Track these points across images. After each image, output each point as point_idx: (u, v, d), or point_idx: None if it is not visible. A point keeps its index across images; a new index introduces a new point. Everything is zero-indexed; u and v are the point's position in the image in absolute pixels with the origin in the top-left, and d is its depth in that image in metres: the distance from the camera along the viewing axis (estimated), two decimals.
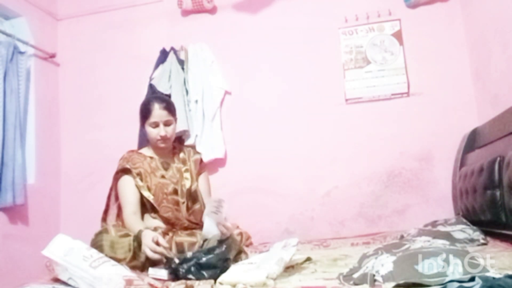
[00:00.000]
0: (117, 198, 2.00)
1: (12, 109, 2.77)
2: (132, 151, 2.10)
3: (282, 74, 3.15)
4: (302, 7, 3.17)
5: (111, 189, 2.03)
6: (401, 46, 3.01)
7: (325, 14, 3.13)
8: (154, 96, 2.46)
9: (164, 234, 1.82)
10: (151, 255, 1.58)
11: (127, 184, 1.93)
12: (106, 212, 2.02)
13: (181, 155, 2.15)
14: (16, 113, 2.79)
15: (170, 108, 2.04)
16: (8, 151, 2.71)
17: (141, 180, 1.94)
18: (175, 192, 2.00)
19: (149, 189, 1.94)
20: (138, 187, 1.93)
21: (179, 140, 3.09)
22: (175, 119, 2.07)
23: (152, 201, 1.93)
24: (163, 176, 1.99)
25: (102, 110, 3.33)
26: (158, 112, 1.97)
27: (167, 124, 1.99)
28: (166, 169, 2.03)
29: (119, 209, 1.97)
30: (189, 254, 1.54)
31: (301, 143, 3.06)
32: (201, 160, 2.20)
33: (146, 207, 1.96)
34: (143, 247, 1.61)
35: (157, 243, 1.59)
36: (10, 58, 2.80)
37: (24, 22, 3.08)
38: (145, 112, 2.00)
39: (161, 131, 1.97)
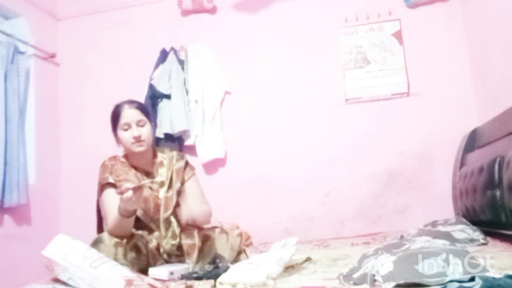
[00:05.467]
0: None
1: (14, 109, 2.78)
2: (115, 157, 1.87)
3: (282, 74, 3.15)
4: (302, 7, 3.17)
5: (98, 202, 1.86)
6: (401, 46, 3.01)
7: (325, 14, 3.14)
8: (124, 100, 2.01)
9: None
10: (130, 196, 1.50)
11: (111, 197, 1.73)
12: (99, 225, 1.86)
13: (164, 162, 1.88)
14: (18, 113, 2.80)
15: (142, 108, 1.85)
16: (12, 151, 2.72)
17: None
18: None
19: None
20: None
21: (179, 141, 3.10)
22: (151, 123, 1.86)
23: (141, 217, 1.75)
24: (151, 188, 1.80)
25: (102, 110, 3.30)
26: (128, 112, 1.79)
27: (140, 124, 1.79)
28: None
29: None
30: (199, 272, 1.53)
31: (301, 143, 3.06)
32: (186, 164, 1.93)
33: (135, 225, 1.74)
34: (123, 205, 1.53)
35: (123, 192, 1.51)
36: (11, 58, 2.80)
37: (24, 22, 3.09)
38: (115, 116, 1.81)
39: (134, 131, 1.76)
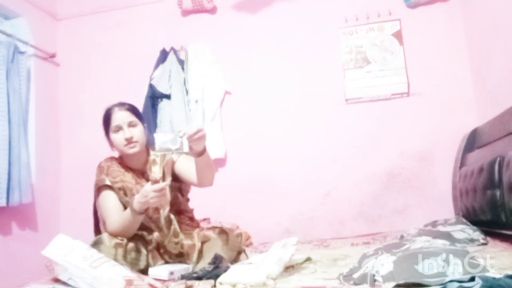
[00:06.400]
0: None
1: (16, 109, 2.78)
2: (111, 158, 1.86)
3: (282, 74, 3.15)
4: (302, 8, 3.17)
5: (95, 204, 1.85)
6: (401, 46, 3.01)
7: (325, 14, 3.14)
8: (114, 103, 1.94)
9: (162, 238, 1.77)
10: (157, 199, 1.55)
11: (110, 197, 1.75)
12: (97, 225, 1.85)
13: (156, 160, 1.85)
14: (20, 113, 2.81)
15: (133, 109, 1.82)
16: (14, 150, 2.72)
17: (125, 195, 1.74)
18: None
19: None
20: (123, 203, 1.73)
21: None
22: (143, 123, 1.83)
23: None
24: None
25: (102, 110, 3.32)
26: (118, 114, 1.77)
27: (131, 125, 1.76)
28: (148, 180, 1.75)
29: None
30: (199, 272, 1.53)
31: (301, 143, 3.06)
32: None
33: None
34: (144, 200, 1.55)
35: (155, 182, 1.55)
36: (11, 58, 2.81)
37: (24, 22, 3.09)
38: (106, 119, 1.80)
39: (126, 133, 1.74)
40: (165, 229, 1.77)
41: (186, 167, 1.80)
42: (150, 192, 1.54)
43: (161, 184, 1.56)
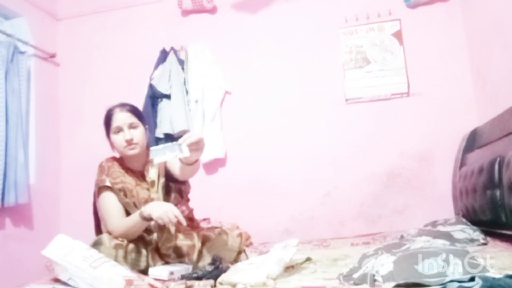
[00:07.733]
0: None
1: (14, 109, 2.78)
2: (113, 159, 1.86)
3: (282, 74, 3.15)
4: (302, 7, 3.17)
5: (94, 204, 1.86)
6: (401, 46, 3.01)
7: (325, 14, 3.14)
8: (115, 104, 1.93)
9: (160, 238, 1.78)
10: (165, 220, 1.55)
11: (110, 198, 1.74)
12: (98, 226, 1.85)
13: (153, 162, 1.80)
14: (18, 113, 2.81)
15: (134, 110, 1.82)
16: (11, 151, 2.72)
17: (126, 196, 1.74)
18: None
19: (135, 205, 1.73)
20: (123, 204, 1.74)
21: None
22: (144, 125, 1.83)
23: None
24: (148, 189, 1.80)
25: (102, 110, 3.30)
26: (119, 115, 1.77)
27: (132, 127, 1.77)
28: (147, 182, 1.82)
29: None
30: (199, 272, 1.53)
31: (301, 143, 3.06)
32: None
33: None
34: (159, 211, 1.55)
35: (183, 212, 1.59)
36: (11, 58, 2.81)
37: (24, 22, 3.09)
38: (107, 120, 1.80)
39: (126, 134, 1.74)
40: (158, 232, 1.75)
41: (174, 160, 1.78)
42: (170, 212, 1.53)
43: (182, 218, 1.55)
